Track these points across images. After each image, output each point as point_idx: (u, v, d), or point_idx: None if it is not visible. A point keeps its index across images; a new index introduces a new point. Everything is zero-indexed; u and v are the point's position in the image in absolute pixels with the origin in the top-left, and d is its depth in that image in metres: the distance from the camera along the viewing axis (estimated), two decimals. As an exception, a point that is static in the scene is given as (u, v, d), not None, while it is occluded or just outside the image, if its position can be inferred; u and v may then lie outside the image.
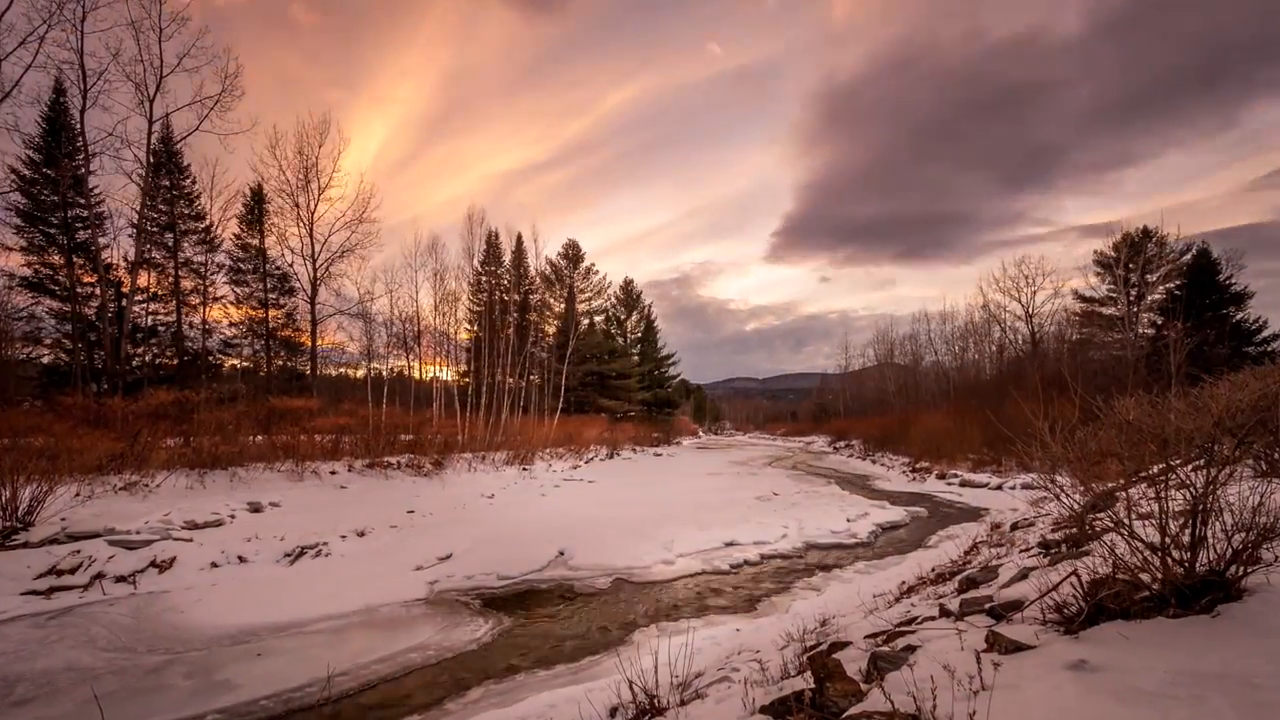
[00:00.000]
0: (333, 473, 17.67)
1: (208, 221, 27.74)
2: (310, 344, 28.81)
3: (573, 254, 52.00)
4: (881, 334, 68.47)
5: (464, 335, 38.57)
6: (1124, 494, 3.95)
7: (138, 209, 22.62)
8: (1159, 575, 3.41)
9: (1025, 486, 19.82)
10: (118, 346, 22.03)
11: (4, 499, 10.07)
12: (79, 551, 9.79)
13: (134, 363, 25.26)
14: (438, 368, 34.88)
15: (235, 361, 30.34)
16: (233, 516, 12.76)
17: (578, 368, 45.09)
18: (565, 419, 37.52)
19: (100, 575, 9.53)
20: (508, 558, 11.59)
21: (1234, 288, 28.90)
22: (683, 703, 4.78)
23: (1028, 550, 7.29)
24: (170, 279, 26.69)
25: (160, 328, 27.04)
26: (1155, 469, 3.70)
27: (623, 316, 58.35)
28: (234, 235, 29.15)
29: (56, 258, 23.58)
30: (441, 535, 13.39)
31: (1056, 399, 5.85)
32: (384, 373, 32.00)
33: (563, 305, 48.81)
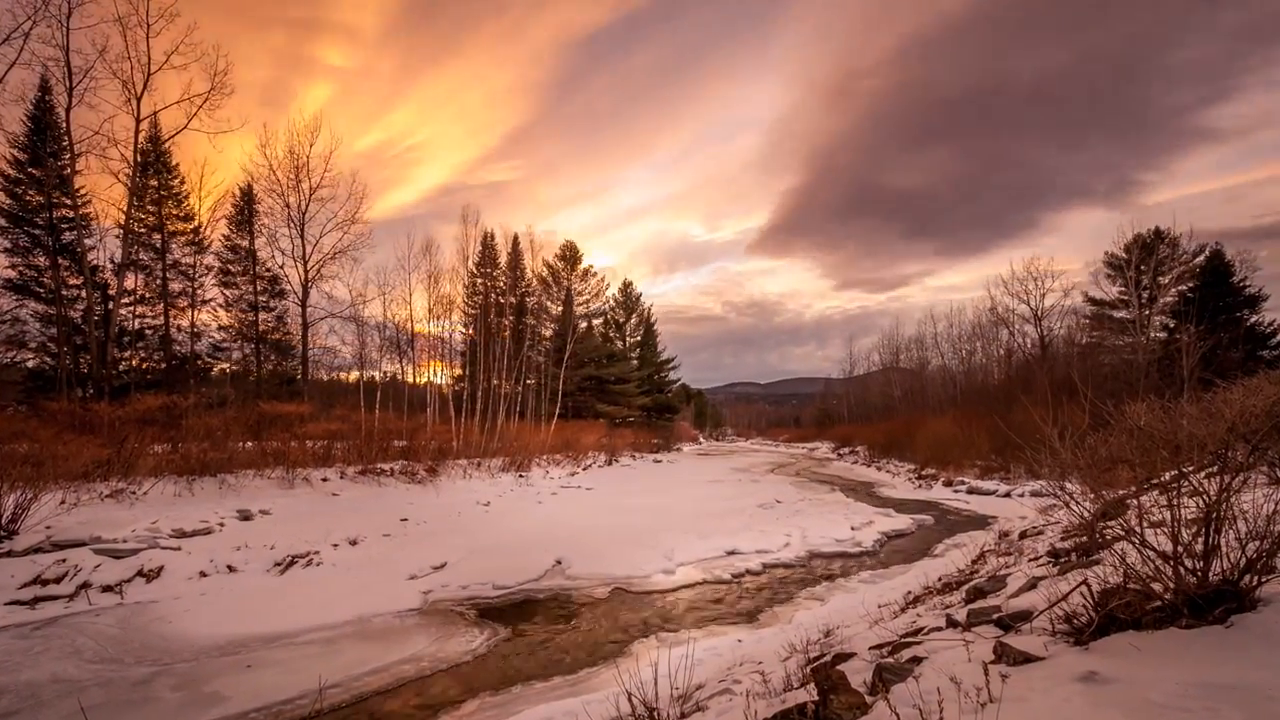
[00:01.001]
0: (324, 480, 17.65)
1: (196, 222, 27.72)
2: (301, 348, 28.81)
3: (570, 255, 52.04)
4: (887, 337, 68.71)
5: (459, 338, 38.59)
6: (1135, 501, 3.95)
7: (125, 210, 22.61)
8: (1171, 585, 3.42)
9: (1034, 494, 19.84)
10: (104, 350, 22.01)
11: (-13, 507, 10.06)
12: (64, 560, 9.78)
13: (121, 367, 25.23)
14: (432, 372, 34.94)
15: (224, 366, 30.29)
16: (222, 525, 12.74)
17: (575, 372, 45.10)
18: (563, 424, 37.53)
19: (86, 585, 9.51)
20: (504, 567, 11.58)
21: (1248, 290, 28.94)
22: (683, 715, 4.78)
23: (1037, 559, 7.29)
24: (158, 281, 26.64)
25: (147, 331, 27.00)
26: (1167, 476, 3.71)
27: (621, 320, 58.31)
28: (223, 237, 29.12)
29: (41, 259, 23.57)
30: (436, 544, 13.38)
31: (1066, 404, 5.87)
32: (377, 377, 32.04)
33: (560, 308, 48.80)
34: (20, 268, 23.41)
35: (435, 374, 35.13)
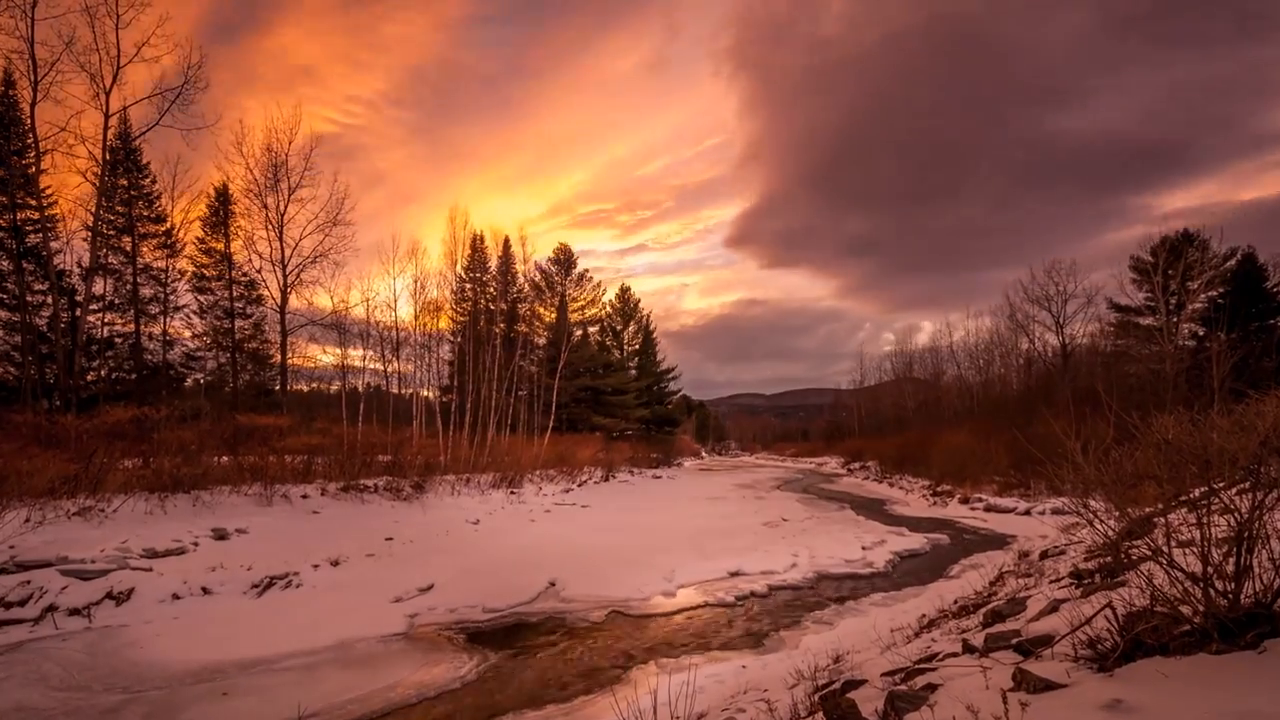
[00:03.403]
0: (304, 496, 17.62)
1: (169, 224, 27.71)
2: (280, 357, 28.79)
3: (564, 259, 52.11)
4: (900, 347, 68.83)
5: (447, 346, 38.59)
6: (1162, 520, 3.97)
7: (93, 210, 22.65)
8: (1200, 608, 3.43)
9: (1055, 511, 19.85)
10: (71, 360, 22.00)
11: (-54, 525, 10.03)
12: (29, 582, 9.74)
13: (89, 377, 25.21)
14: (418, 381, 34.89)
15: (198, 376, 30.26)
16: (196, 544, 12.71)
17: (570, 382, 45.06)
18: (557, 438, 37.48)
19: (52, 607, 9.48)
20: (494, 589, 11.57)
21: (1282, 296, 28.93)
22: (686, 747, 4.77)
23: (1058, 581, 7.30)
24: (128, 286, 26.64)
25: (117, 339, 27.00)
26: (1196, 492, 3.72)
27: (619, 327, 58.34)
28: (197, 239, 29.11)
29: (5, 263, 23.56)
30: (422, 564, 13.36)
31: (1089, 416, 5.88)
32: (360, 388, 31.99)
33: (554, 315, 48.83)
34: (-18, 272, 23.41)
35: (422, 384, 35.11)
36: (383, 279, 36.07)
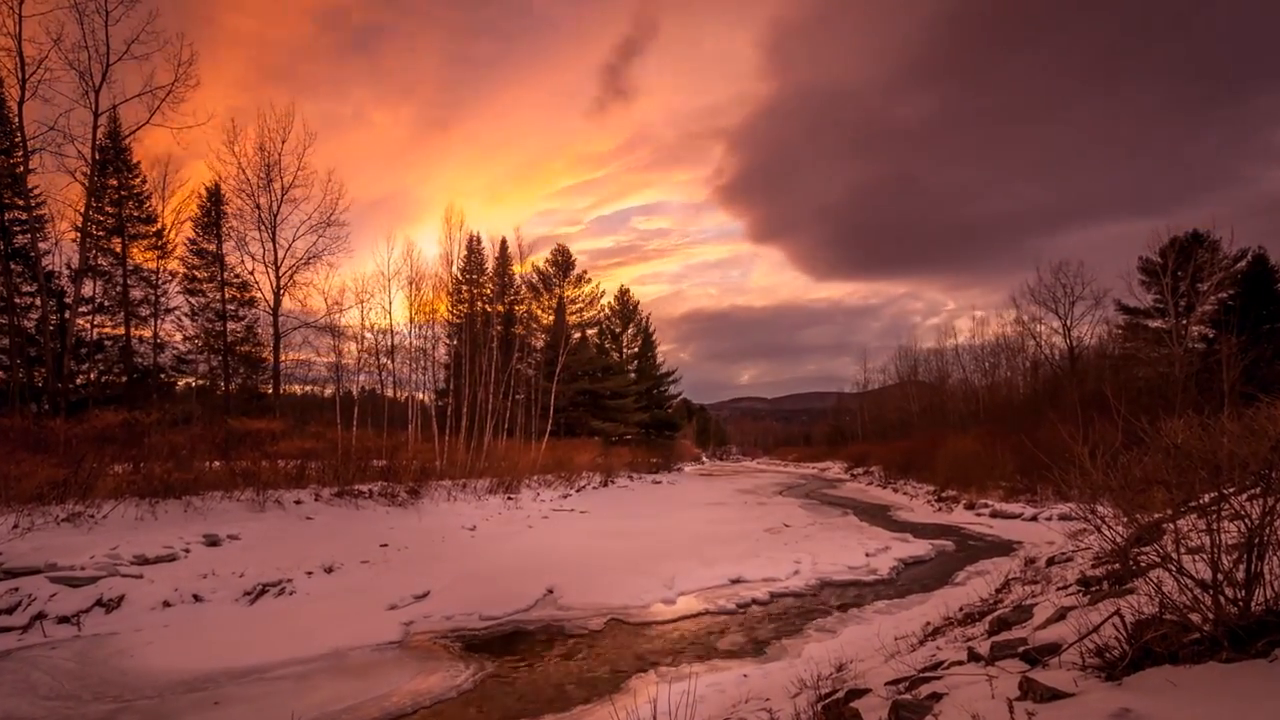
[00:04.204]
0: (298, 502, 17.62)
1: (159, 225, 27.67)
2: (273, 360, 28.76)
3: (562, 260, 52.12)
4: (904, 350, 68.80)
5: (442, 349, 38.55)
6: (1172, 526, 3.97)
7: (82, 211, 22.63)
8: (1210, 615, 3.43)
9: (1063, 517, 19.82)
10: (60, 363, 21.98)
11: (-67, 531, 10.03)
12: (17, 589, 9.74)
13: (78, 381, 25.19)
14: (414, 385, 34.86)
15: (190, 380, 30.25)
16: (187, 550, 12.70)
17: (568, 386, 45.01)
18: (554, 443, 37.45)
19: (41, 615, 9.48)
20: (491, 596, 11.56)
21: (1293, 298, 28.90)
22: (687, 757, 4.78)
23: (1066, 588, 7.30)
24: (118, 288, 26.61)
25: (107, 342, 26.96)
26: (1206, 498, 3.73)
27: (618, 330, 58.30)
28: (188, 240, 29.03)
29: (-7, 264, 23.59)
30: (418, 571, 13.36)
31: (1097, 420, 5.89)
32: (354, 392, 31.95)
33: (551, 317, 48.82)
34: (-31, 273, 23.38)
35: (418, 388, 35.09)
36: (378, 279, 35.95)
